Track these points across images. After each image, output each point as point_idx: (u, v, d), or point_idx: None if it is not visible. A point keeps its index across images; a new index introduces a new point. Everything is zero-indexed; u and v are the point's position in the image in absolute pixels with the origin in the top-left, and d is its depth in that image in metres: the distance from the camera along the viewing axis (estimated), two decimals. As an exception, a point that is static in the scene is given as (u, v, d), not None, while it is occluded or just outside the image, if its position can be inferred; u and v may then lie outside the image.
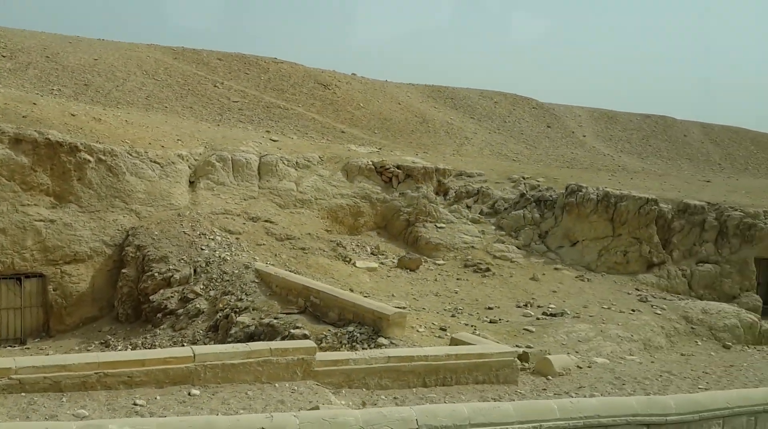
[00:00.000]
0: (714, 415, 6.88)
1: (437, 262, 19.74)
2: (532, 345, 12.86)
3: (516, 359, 10.24)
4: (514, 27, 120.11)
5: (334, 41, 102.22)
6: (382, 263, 18.88)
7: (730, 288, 21.90)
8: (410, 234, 20.91)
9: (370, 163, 21.80)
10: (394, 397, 8.73)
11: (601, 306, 16.72)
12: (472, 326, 13.93)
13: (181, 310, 14.32)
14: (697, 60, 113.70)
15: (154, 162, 17.13)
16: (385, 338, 11.54)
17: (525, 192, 22.74)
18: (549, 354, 11.89)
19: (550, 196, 22.38)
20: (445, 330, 13.18)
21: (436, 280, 18.20)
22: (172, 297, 14.68)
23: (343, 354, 9.16)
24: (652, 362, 13.30)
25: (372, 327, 11.93)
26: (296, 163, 20.53)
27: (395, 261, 19.10)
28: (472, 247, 20.54)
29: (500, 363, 9.92)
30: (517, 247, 21.12)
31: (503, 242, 21.08)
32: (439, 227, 20.95)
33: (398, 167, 22.07)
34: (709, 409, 6.90)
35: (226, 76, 31.80)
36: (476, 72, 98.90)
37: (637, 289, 19.67)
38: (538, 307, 16.25)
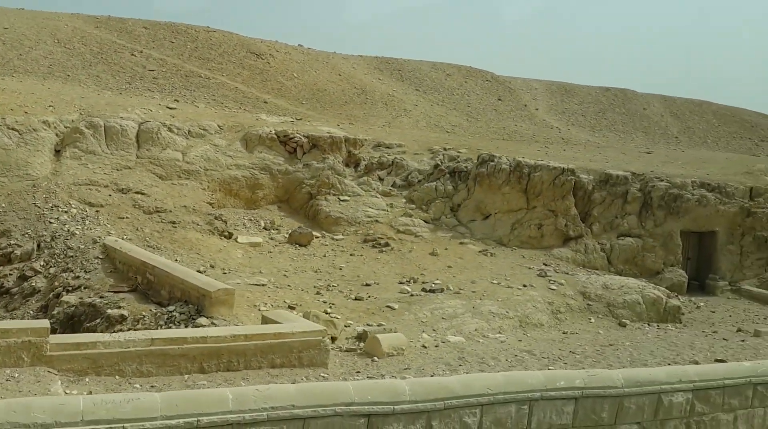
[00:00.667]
0: (467, 403, 5.80)
1: (335, 237, 18.59)
2: (384, 323, 11.78)
3: (325, 339, 9.11)
4: (503, 6, 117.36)
5: (328, 20, 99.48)
6: (272, 238, 17.72)
7: (653, 263, 20.91)
8: (311, 208, 19.71)
9: (273, 132, 20.51)
10: (152, 386, 7.59)
11: (491, 281, 15.66)
12: (330, 304, 12.82)
13: (16, 289, 13.11)
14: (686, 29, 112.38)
15: (12, 129, 15.80)
16: (207, 318, 10.41)
17: (440, 163, 21.55)
18: (391, 333, 10.81)
19: (466, 167, 21.21)
20: (293, 308, 12.07)
21: (325, 256, 17.06)
22: (10, 274, 13.46)
23: (90, 336, 8.00)
24: (519, 340, 12.25)
25: (196, 306, 10.79)
26: (188, 131, 19.23)
27: (287, 236, 17.93)
28: (377, 221, 19.38)
29: (303, 344, 8.81)
30: (425, 220, 19.99)
31: (411, 216, 19.93)
32: (343, 200, 19.75)
33: (306, 137, 20.79)
34: (459, 396, 5.81)
35: (149, 44, 30.25)
36: (458, 49, 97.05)
37: (545, 264, 18.61)
38: (424, 283, 15.15)
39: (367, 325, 11.67)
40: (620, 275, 20.38)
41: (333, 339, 10.40)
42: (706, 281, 22.02)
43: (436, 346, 10.98)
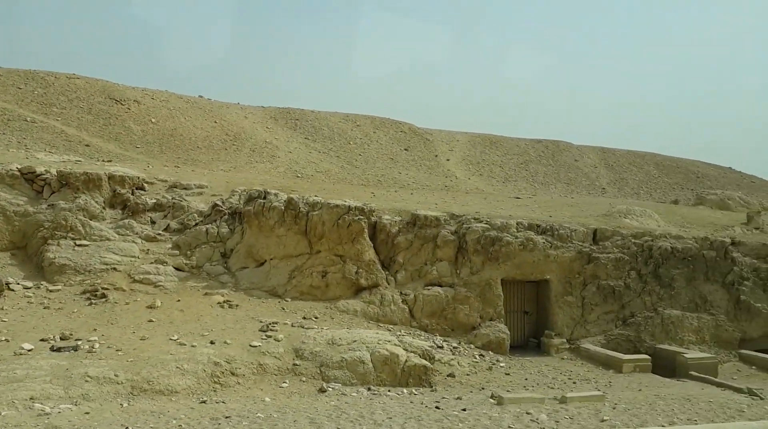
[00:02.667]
0: None
1: (52, 287, 15.49)
2: None
3: None
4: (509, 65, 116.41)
5: (332, 83, 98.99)
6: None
7: (467, 316, 17.45)
8: (40, 254, 16.69)
9: (15, 168, 17.76)
10: None
11: (171, 337, 12.35)
12: None
13: None
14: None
15: None
16: None
17: (219, 203, 18.57)
18: None
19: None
20: None
21: (3, 309, 13.92)
22: None
23: None
24: (87, 413, 8.88)
25: None
26: None
27: (-16, 286, 14.84)
28: (114, 269, 16.27)
29: None
30: (180, 268, 16.85)
31: (164, 263, 16.81)
32: (80, 245, 16.73)
33: (56, 173, 18.01)
34: None
35: (-11, 90, 28.21)
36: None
37: (304, 318, 15.28)
38: (75, 340, 11.90)
39: None
40: (425, 331, 17.08)
41: None
42: (541, 339, 18.48)
43: None
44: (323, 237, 17.18)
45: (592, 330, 18.51)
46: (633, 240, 19.37)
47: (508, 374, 14.89)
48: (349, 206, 17.34)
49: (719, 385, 15.08)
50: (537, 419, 9.87)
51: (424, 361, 13.05)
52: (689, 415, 10.58)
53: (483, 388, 13.28)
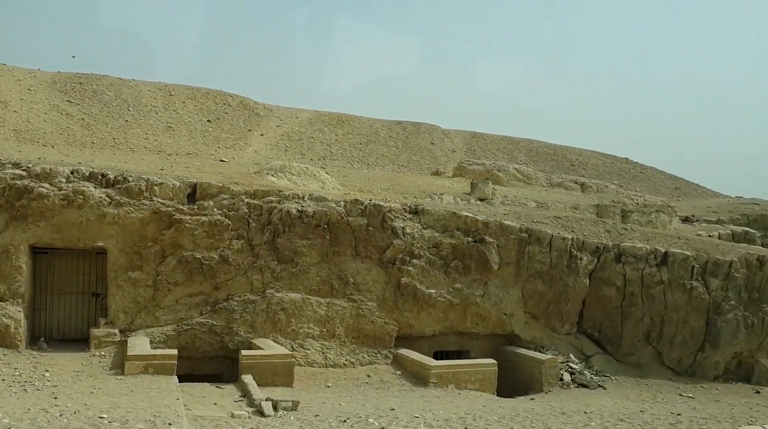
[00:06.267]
0: None
1: None
2: None
3: None
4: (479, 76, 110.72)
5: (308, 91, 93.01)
6: None
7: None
8: None
9: None
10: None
11: None
12: None
13: None
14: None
15: None
16: None
17: None
18: None
19: None
20: None
21: None
22: None
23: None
24: None
25: None
26: None
27: None
28: None
29: None
30: None
31: None
32: None
33: None
34: None
35: None
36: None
37: None
38: None
39: None
40: None
41: None
42: (91, 329, 13.75)
43: None
44: None
45: (164, 317, 13.79)
46: (247, 199, 14.65)
47: None
48: None
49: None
50: None
51: None
52: None
53: None
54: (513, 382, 15.75)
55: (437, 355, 16.07)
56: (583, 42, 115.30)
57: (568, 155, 43.78)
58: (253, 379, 12.04)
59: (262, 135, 34.92)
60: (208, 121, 34.22)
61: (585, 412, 12.90)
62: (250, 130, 35.16)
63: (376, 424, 10.22)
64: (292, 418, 10.32)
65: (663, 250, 17.27)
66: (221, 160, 21.67)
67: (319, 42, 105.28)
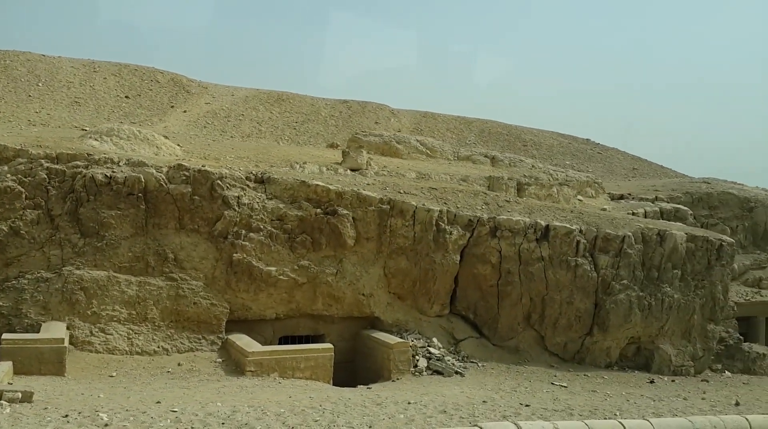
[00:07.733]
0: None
1: None
2: None
3: None
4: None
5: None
6: None
7: None
8: None
9: None
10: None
11: None
12: None
13: None
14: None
15: None
16: None
17: None
18: None
19: None
20: None
21: None
22: None
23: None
24: None
25: None
26: None
27: None
28: None
29: None
30: None
31: None
32: None
33: None
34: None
35: None
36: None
37: None
38: None
39: None
40: None
41: None
42: None
43: None
44: None
45: None
46: (47, 164, 12.88)
47: None
48: None
49: None
50: None
51: None
52: None
53: None
54: (365, 369, 14.08)
55: (284, 341, 14.37)
56: (582, 39, 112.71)
57: (522, 136, 42.00)
58: (12, 367, 10.34)
59: (185, 112, 33.16)
60: (126, 97, 32.49)
61: (410, 402, 11.15)
62: (173, 106, 33.41)
63: (105, 418, 8.53)
64: (8, 410, 8.64)
65: (544, 224, 15.48)
66: (83, 129, 19.86)
67: (316, 33, 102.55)
